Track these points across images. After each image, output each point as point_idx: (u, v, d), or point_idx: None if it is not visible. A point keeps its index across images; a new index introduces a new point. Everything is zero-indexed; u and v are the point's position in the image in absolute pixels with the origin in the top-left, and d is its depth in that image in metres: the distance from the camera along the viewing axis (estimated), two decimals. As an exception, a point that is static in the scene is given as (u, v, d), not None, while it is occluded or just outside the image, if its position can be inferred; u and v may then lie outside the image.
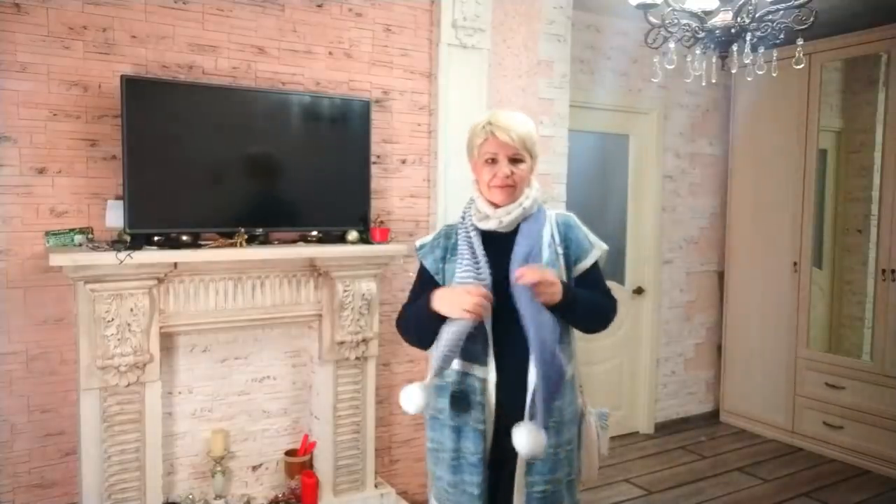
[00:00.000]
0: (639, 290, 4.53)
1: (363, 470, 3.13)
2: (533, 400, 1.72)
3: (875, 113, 4.13)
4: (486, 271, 1.76)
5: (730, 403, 4.83)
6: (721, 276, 4.87)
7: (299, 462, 3.03)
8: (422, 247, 1.96)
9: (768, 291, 4.52)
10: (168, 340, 2.77)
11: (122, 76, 2.50)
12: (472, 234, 1.83)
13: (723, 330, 4.86)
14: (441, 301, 1.74)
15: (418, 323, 1.85)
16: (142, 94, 2.53)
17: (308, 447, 3.06)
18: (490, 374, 1.80)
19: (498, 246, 1.81)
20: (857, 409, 4.06)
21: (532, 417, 1.71)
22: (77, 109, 2.59)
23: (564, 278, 1.83)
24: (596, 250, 1.92)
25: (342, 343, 2.99)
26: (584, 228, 1.94)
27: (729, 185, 4.78)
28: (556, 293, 1.72)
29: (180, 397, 2.86)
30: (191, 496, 2.86)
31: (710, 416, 4.90)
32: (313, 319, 2.99)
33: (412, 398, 1.75)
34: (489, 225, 1.83)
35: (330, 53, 3.08)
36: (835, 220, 4.47)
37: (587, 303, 1.85)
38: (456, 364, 1.83)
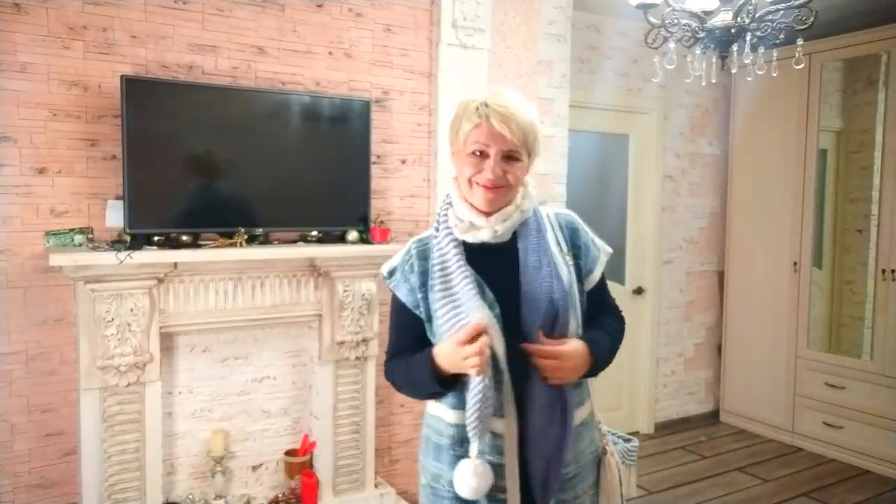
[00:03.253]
0: (639, 290, 4.53)
1: (363, 470, 3.13)
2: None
3: (875, 113, 4.13)
4: (472, 306, 1.36)
5: (730, 403, 4.83)
6: (721, 276, 4.87)
7: (299, 462, 3.03)
8: (391, 273, 1.52)
9: (768, 291, 4.52)
10: (168, 340, 2.77)
11: (122, 76, 2.50)
12: (451, 252, 1.43)
13: (723, 330, 4.85)
14: (444, 362, 1.39)
15: (420, 387, 1.47)
16: (142, 94, 2.53)
17: (308, 447, 3.06)
18: (510, 425, 1.39)
19: (491, 260, 1.44)
20: (857, 409, 4.06)
21: None
22: (77, 109, 2.59)
23: (578, 298, 1.49)
24: (603, 256, 1.59)
25: (342, 343, 2.99)
26: (588, 229, 1.62)
27: (729, 185, 4.78)
28: (580, 367, 1.41)
29: (180, 397, 2.86)
30: (191, 496, 2.86)
31: (710, 416, 4.90)
32: (313, 319, 2.99)
33: (466, 482, 1.35)
34: (480, 236, 1.44)
35: (330, 53, 3.07)
36: (835, 220, 4.46)
37: (608, 352, 1.51)
38: (453, 416, 1.45)
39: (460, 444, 1.42)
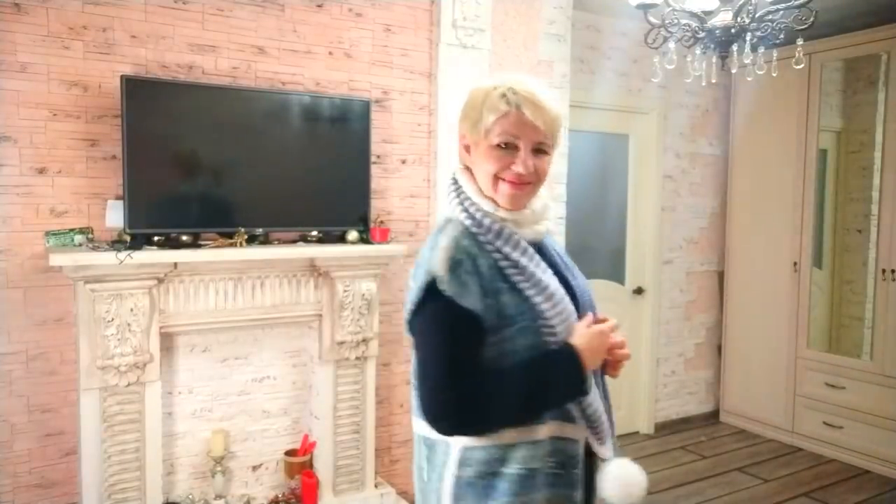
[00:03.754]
0: (639, 290, 4.53)
1: (363, 470, 3.12)
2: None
3: (875, 113, 4.13)
4: (563, 296, 1.29)
5: (730, 403, 4.83)
6: (721, 276, 4.87)
7: (299, 462, 3.03)
8: (444, 284, 1.21)
9: (768, 291, 4.52)
10: (168, 340, 2.77)
11: (122, 76, 2.50)
12: (524, 247, 1.29)
13: (723, 330, 4.85)
14: (589, 355, 1.26)
15: (552, 395, 1.25)
16: (142, 94, 2.53)
17: (308, 447, 3.06)
18: (581, 430, 1.31)
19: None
20: (857, 409, 4.06)
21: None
22: (77, 109, 2.59)
23: None
24: None
25: (342, 343, 2.99)
26: None
27: (729, 185, 4.78)
28: None
29: (180, 397, 2.86)
30: (191, 496, 2.86)
31: (710, 416, 4.90)
32: (313, 319, 2.99)
33: (636, 482, 1.34)
34: (536, 234, 1.34)
35: (330, 53, 3.07)
36: (835, 220, 4.46)
37: None
38: (547, 430, 1.26)
39: (559, 460, 1.26)
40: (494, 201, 1.30)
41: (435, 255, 1.24)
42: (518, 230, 1.30)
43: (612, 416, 1.39)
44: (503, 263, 1.26)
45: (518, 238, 1.29)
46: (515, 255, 1.27)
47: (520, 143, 1.27)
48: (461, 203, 1.31)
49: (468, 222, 1.29)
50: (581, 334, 1.27)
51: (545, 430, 1.25)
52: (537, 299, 1.25)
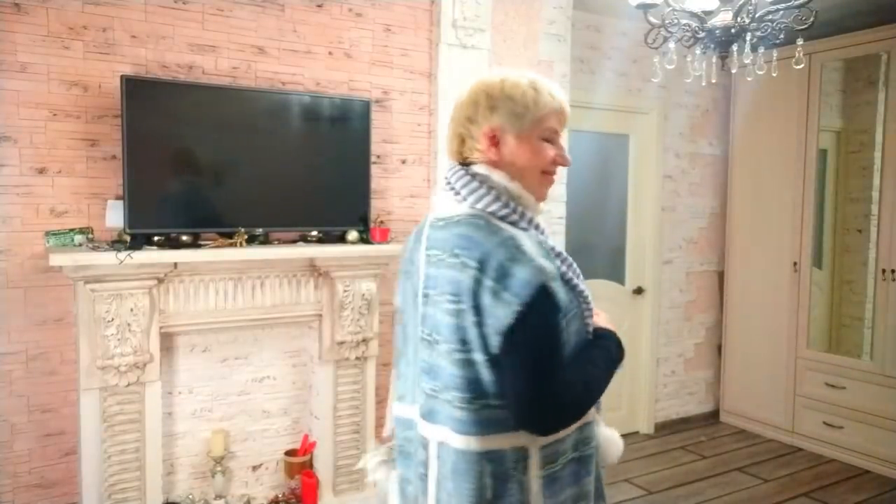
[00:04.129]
0: (639, 290, 4.53)
1: (363, 470, 3.12)
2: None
3: (875, 113, 4.12)
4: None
5: (730, 403, 4.83)
6: (721, 276, 4.87)
7: (299, 462, 3.03)
8: (551, 278, 1.19)
9: (768, 291, 4.52)
10: (168, 340, 2.77)
11: (122, 76, 2.50)
12: (556, 245, 1.31)
13: (723, 330, 4.85)
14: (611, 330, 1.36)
15: (611, 370, 1.33)
16: (142, 94, 2.53)
17: (308, 447, 3.06)
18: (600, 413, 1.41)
19: None
20: (857, 409, 4.06)
21: None
22: (77, 109, 2.59)
23: None
24: None
25: (342, 343, 2.99)
26: None
27: (729, 185, 4.78)
28: None
29: (180, 397, 2.86)
30: (191, 496, 2.86)
31: (710, 416, 4.90)
32: (313, 319, 2.99)
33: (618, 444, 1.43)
34: (543, 229, 1.36)
35: (330, 53, 3.07)
36: (835, 220, 4.46)
37: None
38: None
39: (589, 434, 1.35)
40: (534, 193, 1.30)
41: (531, 254, 1.17)
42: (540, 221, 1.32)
43: None
44: (558, 262, 1.24)
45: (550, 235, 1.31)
46: (557, 246, 1.27)
47: (557, 137, 1.32)
48: (498, 198, 1.25)
49: (514, 218, 1.25)
50: (605, 319, 1.35)
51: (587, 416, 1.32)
52: (580, 285, 1.28)
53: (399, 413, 1.40)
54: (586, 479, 1.33)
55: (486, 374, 1.20)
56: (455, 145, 1.33)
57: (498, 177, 1.26)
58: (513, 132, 1.27)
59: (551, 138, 1.30)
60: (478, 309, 1.18)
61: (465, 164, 1.32)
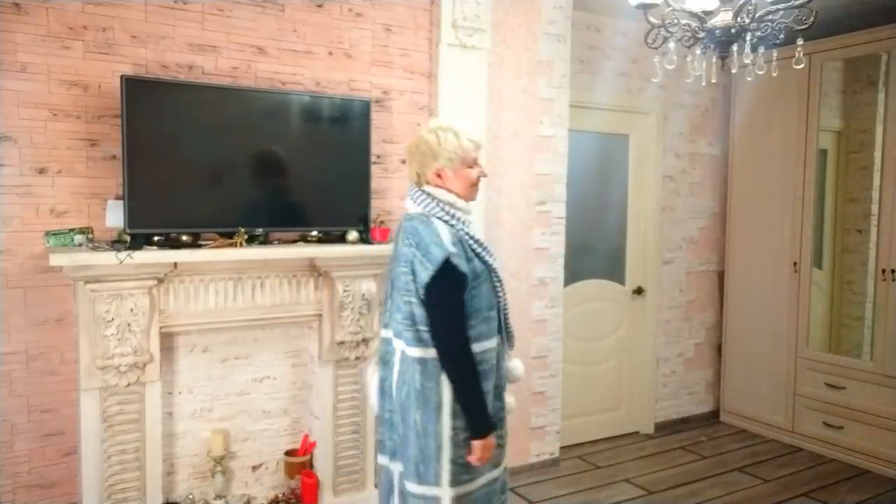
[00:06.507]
0: (639, 290, 4.53)
1: (363, 470, 3.13)
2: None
3: (875, 113, 4.12)
4: (498, 265, 2.11)
5: (730, 403, 4.83)
6: (721, 276, 4.87)
7: (299, 462, 3.03)
8: (455, 258, 1.94)
9: (768, 291, 4.52)
10: (168, 340, 2.77)
11: (122, 76, 2.50)
12: (472, 234, 2.05)
13: (723, 330, 4.85)
14: (483, 443, 1.97)
15: (474, 396, 1.97)
16: (142, 94, 2.53)
17: (308, 447, 3.06)
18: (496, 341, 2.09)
19: None
20: (857, 409, 4.06)
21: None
22: (77, 109, 2.59)
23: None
24: None
25: (342, 343, 2.99)
26: None
27: (729, 185, 4.78)
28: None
29: (180, 397, 2.86)
30: (191, 496, 2.86)
31: (710, 416, 4.90)
32: (313, 319, 2.99)
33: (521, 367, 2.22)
34: (472, 217, 2.12)
35: (330, 53, 3.08)
36: (835, 220, 4.46)
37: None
38: (494, 341, 2.06)
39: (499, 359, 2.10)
40: (468, 199, 2.08)
41: (438, 241, 1.94)
42: (467, 216, 2.06)
43: (512, 335, 2.18)
44: (470, 242, 2.01)
45: (470, 224, 2.06)
46: (477, 235, 2.06)
47: (478, 160, 2.11)
48: (439, 206, 2.02)
49: (447, 218, 2.01)
50: (491, 444, 2.00)
51: (493, 342, 2.05)
52: (491, 261, 2.05)
53: (383, 334, 2.15)
54: (484, 381, 2.00)
55: (418, 311, 1.97)
56: (414, 176, 2.10)
57: (440, 193, 2.04)
58: (450, 168, 2.05)
59: (473, 164, 2.08)
60: (414, 272, 1.96)
61: (419, 183, 2.08)
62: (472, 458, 1.96)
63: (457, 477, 1.96)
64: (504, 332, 2.11)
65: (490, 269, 2.04)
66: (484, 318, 1.99)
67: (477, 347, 1.97)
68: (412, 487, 1.99)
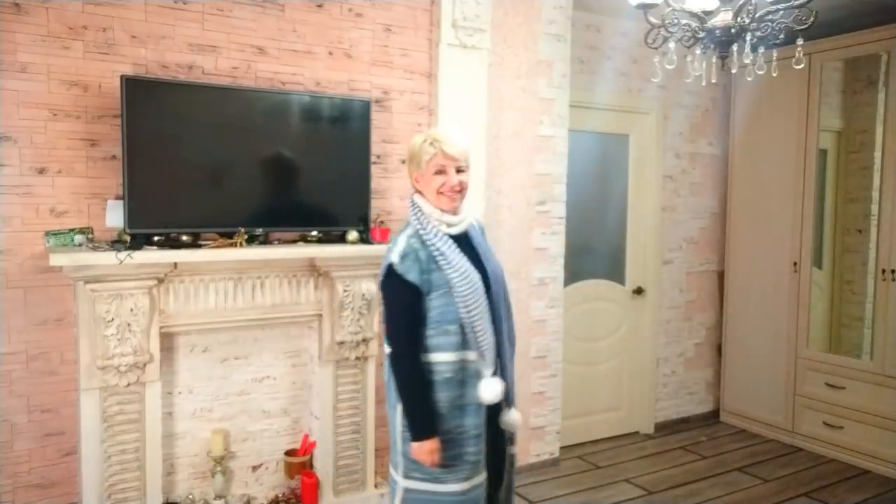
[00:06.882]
0: (639, 290, 4.53)
1: (363, 470, 3.13)
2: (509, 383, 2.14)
3: (875, 113, 4.12)
4: (471, 269, 2.03)
5: (730, 403, 4.83)
6: (721, 276, 4.87)
7: (299, 462, 3.03)
8: (401, 264, 1.99)
9: (768, 291, 4.52)
10: (168, 340, 2.77)
11: (122, 76, 2.51)
12: (446, 241, 2.03)
13: (723, 330, 4.85)
14: (423, 446, 2.00)
15: (417, 406, 2.02)
16: (142, 94, 2.53)
17: (308, 447, 3.06)
18: (474, 355, 2.07)
19: (459, 245, 2.07)
20: (857, 409, 4.06)
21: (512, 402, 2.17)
22: (77, 109, 2.59)
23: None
24: None
25: (342, 343, 2.99)
26: None
27: (729, 185, 4.78)
28: None
29: (180, 397, 2.86)
30: (191, 496, 2.86)
31: (710, 416, 4.90)
32: (313, 319, 2.99)
33: (494, 390, 2.04)
34: (459, 229, 2.08)
35: (330, 53, 3.08)
36: (835, 220, 4.46)
37: None
38: (453, 356, 2.04)
39: (466, 375, 2.05)
40: (438, 207, 2.06)
41: (393, 249, 2.03)
42: (450, 228, 2.05)
43: (506, 353, 2.14)
44: (435, 253, 2.01)
45: (445, 236, 2.03)
46: (444, 248, 2.01)
47: (447, 168, 2.04)
48: (415, 215, 2.07)
49: (418, 227, 2.05)
50: (429, 449, 2.00)
51: (452, 356, 2.02)
52: (452, 275, 2.00)
53: None
54: (435, 391, 2.03)
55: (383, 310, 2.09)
56: (411, 181, 2.14)
57: (419, 200, 2.09)
58: (419, 174, 2.08)
59: (441, 171, 2.04)
60: None
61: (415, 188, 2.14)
62: (413, 456, 2.03)
63: (408, 471, 2.07)
64: (477, 348, 2.03)
65: (449, 284, 1.99)
66: (443, 330, 2.00)
67: (433, 357, 2.01)
68: (389, 468, 2.18)
